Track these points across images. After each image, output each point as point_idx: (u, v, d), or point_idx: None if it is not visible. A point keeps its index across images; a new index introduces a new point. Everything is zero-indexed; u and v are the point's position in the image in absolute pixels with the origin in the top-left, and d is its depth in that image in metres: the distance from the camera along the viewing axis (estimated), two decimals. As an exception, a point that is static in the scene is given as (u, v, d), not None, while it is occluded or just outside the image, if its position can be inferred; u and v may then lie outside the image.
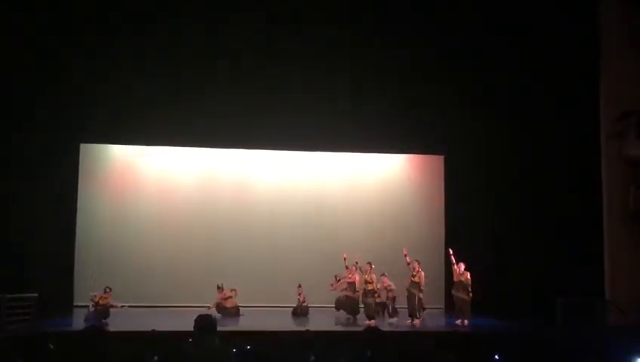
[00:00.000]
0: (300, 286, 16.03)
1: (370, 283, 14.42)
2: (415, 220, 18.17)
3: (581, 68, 15.75)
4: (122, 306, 14.19)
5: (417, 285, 14.11)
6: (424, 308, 14.51)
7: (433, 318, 15.32)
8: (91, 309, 14.00)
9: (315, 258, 17.03)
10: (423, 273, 14.20)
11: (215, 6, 15.84)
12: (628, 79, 15.20)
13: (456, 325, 13.96)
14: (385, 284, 15.28)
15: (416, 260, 14.26)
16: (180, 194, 17.74)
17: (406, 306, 14.30)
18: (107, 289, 14.17)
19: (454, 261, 14.35)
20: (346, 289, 14.99)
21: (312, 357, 7.58)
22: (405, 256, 14.22)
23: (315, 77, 16.35)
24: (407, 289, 14.24)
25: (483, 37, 16.21)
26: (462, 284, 14.13)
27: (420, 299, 14.13)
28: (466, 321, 13.93)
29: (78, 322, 13.49)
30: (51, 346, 4.17)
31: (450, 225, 17.83)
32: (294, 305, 15.92)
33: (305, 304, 15.96)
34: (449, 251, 14.74)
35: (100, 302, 13.94)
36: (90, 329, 4.80)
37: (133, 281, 16.35)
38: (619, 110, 15.19)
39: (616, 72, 15.37)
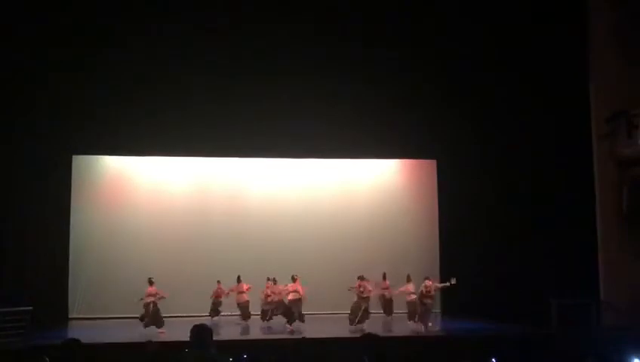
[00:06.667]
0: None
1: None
2: (408, 224, 18.18)
3: (571, 69, 15.83)
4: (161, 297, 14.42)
5: (430, 294, 14.19)
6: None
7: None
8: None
9: (310, 265, 16.96)
10: (433, 284, 14.29)
11: (205, 17, 15.81)
12: (617, 79, 15.27)
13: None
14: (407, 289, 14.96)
15: (427, 278, 14.29)
16: (172, 204, 17.68)
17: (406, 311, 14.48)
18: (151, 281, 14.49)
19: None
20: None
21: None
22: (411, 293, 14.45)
23: (306, 85, 16.38)
24: (422, 302, 14.17)
25: (473, 41, 16.26)
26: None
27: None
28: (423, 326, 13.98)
29: (73, 335, 13.36)
30: (47, 359, 4.14)
31: (443, 227, 17.87)
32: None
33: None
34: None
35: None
36: (67, 341, 4.79)
37: (127, 292, 16.19)
38: (609, 110, 15.25)
39: (605, 72, 15.44)
